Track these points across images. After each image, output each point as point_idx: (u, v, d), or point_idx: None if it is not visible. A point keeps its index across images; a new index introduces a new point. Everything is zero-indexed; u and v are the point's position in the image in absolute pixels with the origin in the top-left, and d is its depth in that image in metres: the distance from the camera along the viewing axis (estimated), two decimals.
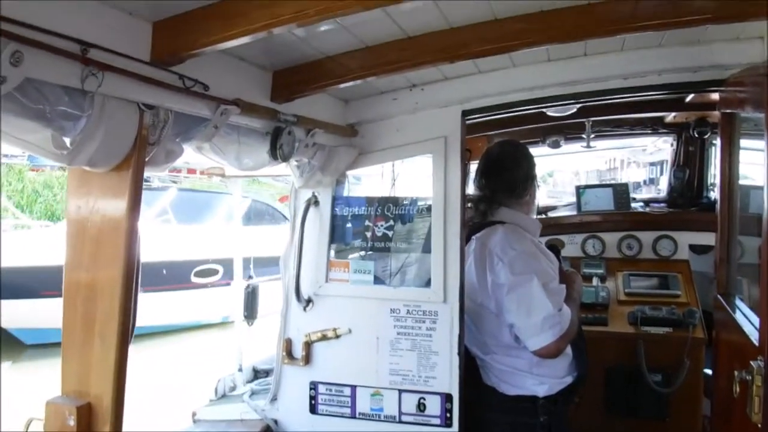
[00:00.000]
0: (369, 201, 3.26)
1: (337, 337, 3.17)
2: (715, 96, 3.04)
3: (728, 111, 2.93)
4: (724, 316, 3.02)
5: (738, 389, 2.30)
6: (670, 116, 4.80)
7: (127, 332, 1.84)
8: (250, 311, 3.84)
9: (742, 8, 2.09)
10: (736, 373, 2.28)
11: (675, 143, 5.21)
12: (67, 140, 1.67)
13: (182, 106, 1.92)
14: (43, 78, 1.47)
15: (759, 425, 2.09)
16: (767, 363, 2.09)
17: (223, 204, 13.08)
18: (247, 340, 4.13)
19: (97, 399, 1.85)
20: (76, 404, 1.84)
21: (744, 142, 3.00)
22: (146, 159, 1.84)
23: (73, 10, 1.54)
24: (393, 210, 3.22)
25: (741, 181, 3.07)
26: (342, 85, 2.64)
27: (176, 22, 1.78)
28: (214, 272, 11.96)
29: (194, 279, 11.97)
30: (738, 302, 2.98)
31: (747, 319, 2.64)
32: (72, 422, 1.83)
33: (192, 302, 11.70)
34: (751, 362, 2.15)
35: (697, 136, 4.76)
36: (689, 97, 3.82)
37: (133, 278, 1.85)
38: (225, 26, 1.74)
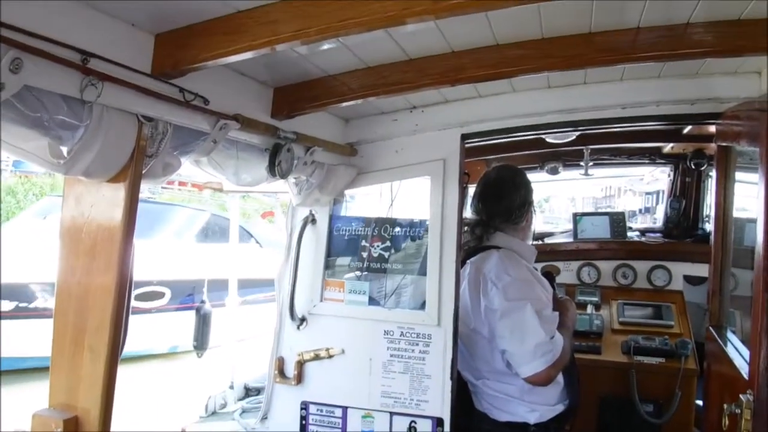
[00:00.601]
0: (366, 221, 3.23)
1: (330, 357, 3.12)
2: (713, 128, 3.04)
3: (724, 144, 2.93)
4: (715, 348, 2.99)
5: (727, 422, 2.27)
6: (667, 147, 4.80)
7: (117, 345, 1.80)
8: (201, 341, 3.50)
9: (740, 43, 2.11)
10: (725, 406, 2.26)
11: (672, 174, 5.21)
12: (65, 149, 1.64)
13: (181, 119, 1.91)
14: (42, 86, 1.46)
15: None
16: (757, 397, 2.06)
17: (176, 217, 11.76)
18: (198, 375, 3.83)
19: (85, 412, 1.81)
20: (63, 417, 1.80)
21: (740, 175, 3.00)
22: (143, 171, 1.82)
23: (75, 20, 1.54)
24: (390, 231, 3.19)
25: (737, 214, 3.06)
26: (342, 104, 2.63)
27: (178, 36, 1.77)
28: (159, 295, 10.37)
29: (135, 303, 10.55)
30: (729, 335, 2.95)
31: (738, 352, 2.62)
32: None
33: (132, 329, 10.54)
34: (741, 396, 2.13)
35: (694, 167, 4.76)
36: (687, 129, 3.83)
37: (126, 291, 1.82)
38: (227, 41, 1.74)
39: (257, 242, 12.35)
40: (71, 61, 1.49)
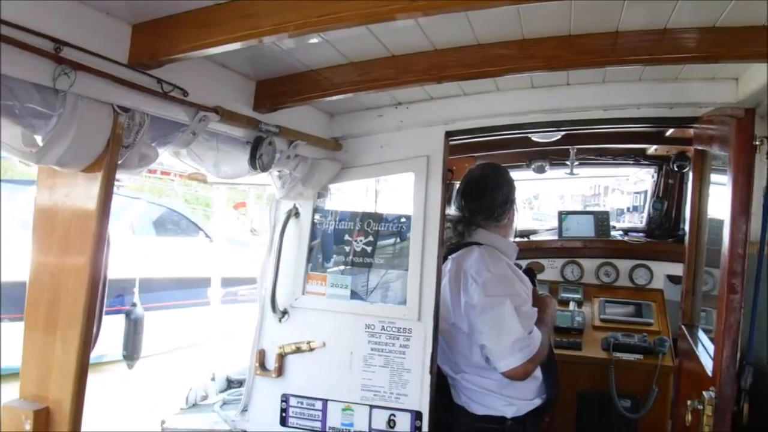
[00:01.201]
0: (351, 216, 3.21)
1: (311, 350, 3.11)
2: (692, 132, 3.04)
3: (700, 147, 2.94)
4: (686, 345, 3.01)
5: (690, 418, 2.28)
6: (651, 149, 4.81)
7: (89, 336, 1.77)
8: (132, 349, 3.00)
9: (718, 50, 2.11)
10: (689, 402, 2.28)
11: (655, 175, 5.21)
12: (38, 138, 1.61)
13: (159, 110, 1.87)
14: (13, 74, 1.42)
15: None
16: (719, 394, 2.07)
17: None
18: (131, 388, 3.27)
19: (56, 404, 1.78)
20: (34, 408, 1.77)
21: (716, 178, 3.00)
22: (119, 162, 1.79)
23: (48, 7, 1.50)
24: (374, 226, 3.17)
25: (714, 216, 3.06)
26: (326, 99, 2.61)
27: (156, 26, 1.74)
28: None
29: None
30: (700, 333, 2.97)
31: (705, 350, 2.64)
32: (28, 426, 1.76)
33: None
34: (704, 392, 2.15)
35: (676, 169, 4.76)
36: (669, 132, 3.83)
37: (99, 283, 1.78)
38: (204, 33, 1.70)
39: (207, 236, 11.53)
40: (43, 49, 1.45)
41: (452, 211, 3.07)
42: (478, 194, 2.94)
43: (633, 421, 3.89)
